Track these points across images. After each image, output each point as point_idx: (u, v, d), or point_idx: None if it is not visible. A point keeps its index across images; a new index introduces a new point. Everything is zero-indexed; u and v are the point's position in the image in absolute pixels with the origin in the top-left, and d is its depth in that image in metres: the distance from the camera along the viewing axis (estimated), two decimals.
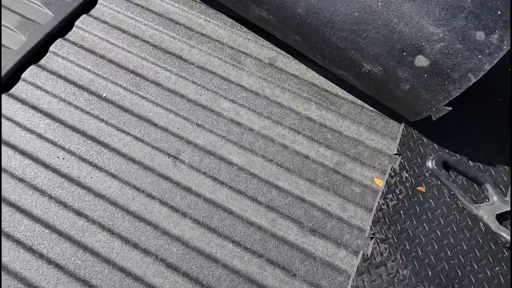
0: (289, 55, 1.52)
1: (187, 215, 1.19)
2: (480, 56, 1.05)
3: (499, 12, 1.04)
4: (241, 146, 1.32)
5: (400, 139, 1.33)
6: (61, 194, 1.20)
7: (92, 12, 1.55)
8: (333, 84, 1.47)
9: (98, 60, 1.45)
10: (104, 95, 1.38)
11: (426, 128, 1.35)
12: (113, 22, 1.54)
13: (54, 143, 1.28)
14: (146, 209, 1.19)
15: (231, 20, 1.59)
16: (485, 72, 1.05)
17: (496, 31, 1.04)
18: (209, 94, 1.41)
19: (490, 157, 1.32)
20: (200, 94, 1.41)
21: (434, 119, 1.19)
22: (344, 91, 1.46)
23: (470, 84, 1.08)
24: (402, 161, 1.29)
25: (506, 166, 1.30)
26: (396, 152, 1.31)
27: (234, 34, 1.55)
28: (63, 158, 1.25)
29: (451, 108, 1.14)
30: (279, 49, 1.54)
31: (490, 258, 1.15)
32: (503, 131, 1.38)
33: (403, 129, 1.36)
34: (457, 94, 1.10)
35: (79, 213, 1.17)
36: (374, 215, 1.19)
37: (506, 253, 1.16)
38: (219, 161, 1.29)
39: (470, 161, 1.30)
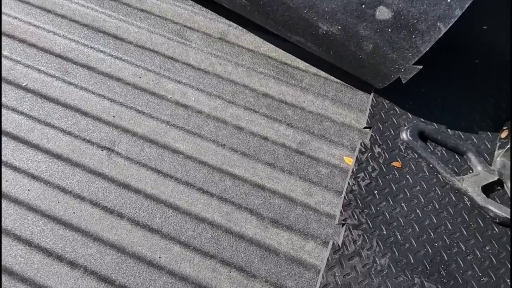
0: (241, 28, 1.35)
1: (124, 216, 1.00)
2: (449, 0, 0.90)
3: None
4: (188, 131, 1.13)
5: (370, 110, 1.18)
6: None
7: None
8: (293, 57, 1.31)
9: (18, 45, 1.24)
10: (24, 84, 1.17)
11: (398, 96, 1.20)
12: (36, 1, 1.33)
13: None
14: (74, 212, 0.99)
15: None
16: (456, 19, 0.90)
17: None
18: (150, 75, 1.22)
19: (470, 124, 1.17)
20: (139, 76, 1.22)
21: (404, 82, 1.03)
22: (306, 63, 1.29)
23: (440, 35, 0.92)
24: (373, 134, 1.13)
25: (489, 132, 1.16)
26: (366, 125, 1.16)
27: (178, 8, 1.37)
28: None
29: (421, 67, 0.98)
30: (230, 22, 1.36)
31: (479, 236, 0.99)
32: (483, 95, 1.24)
33: (372, 99, 1.20)
34: (427, 49, 0.95)
35: None
36: (344, 198, 1.02)
37: (496, 229, 1.01)
38: (163, 150, 1.10)
39: (449, 130, 1.16)
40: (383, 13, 0.95)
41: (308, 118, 1.18)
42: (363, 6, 0.96)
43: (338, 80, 1.26)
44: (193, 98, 1.19)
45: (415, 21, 0.93)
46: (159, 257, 0.95)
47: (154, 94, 1.19)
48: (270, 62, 1.29)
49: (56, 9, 1.32)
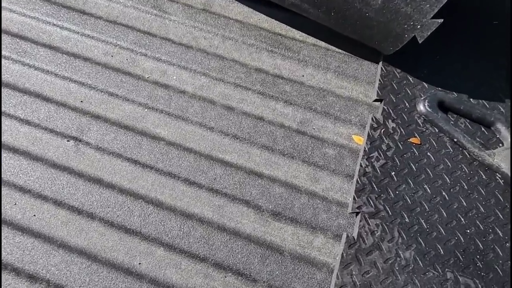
0: None
1: (96, 216, 0.83)
2: None
3: None
4: (169, 114, 0.97)
5: (380, 81, 1.02)
6: None
7: None
8: (287, 27, 1.14)
9: None
10: None
11: (410, 65, 1.04)
12: None
13: None
14: (34, 215, 0.83)
15: None
16: None
17: None
18: (124, 53, 1.06)
19: (496, 91, 1.02)
20: (111, 55, 1.05)
21: (421, 41, 0.87)
22: (302, 33, 1.13)
23: None
24: (385, 108, 0.98)
25: None
26: (376, 98, 1.00)
27: None
28: None
29: (442, 20, 0.83)
30: None
31: None
32: (506, 58, 1.09)
33: (381, 68, 1.04)
34: None
35: None
36: (357, 182, 0.87)
37: None
38: (140, 137, 0.93)
39: (471, 99, 1.00)
40: None
41: (309, 93, 1.02)
42: None
43: (340, 50, 1.10)
44: (174, 77, 1.03)
45: None
46: (139, 263, 0.79)
47: (129, 74, 1.02)
48: (262, 33, 1.12)
49: None
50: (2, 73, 1.00)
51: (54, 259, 0.78)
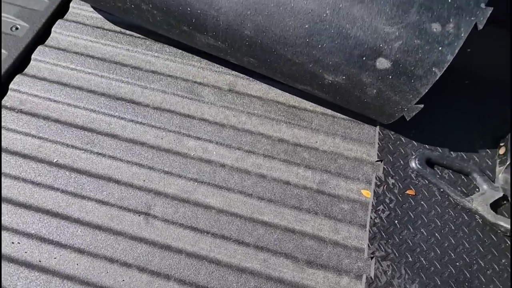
0: (248, 77, 1.44)
1: (171, 277, 1.07)
2: (440, 48, 1.01)
3: (449, 0, 1.00)
4: (215, 186, 1.22)
5: (378, 143, 1.28)
6: (22, 285, 1.05)
7: (26, 70, 1.41)
8: (300, 99, 1.40)
9: (42, 123, 1.31)
10: (55, 160, 1.24)
11: (402, 126, 1.30)
12: (52, 77, 1.40)
13: (6, 228, 1.13)
14: (123, 280, 1.07)
15: (180, 51, 1.49)
16: (449, 63, 1.01)
17: (451, 20, 1.00)
18: (171, 135, 1.31)
19: (471, 144, 1.28)
20: (161, 138, 1.30)
21: (408, 119, 1.13)
22: (312, 104, 1.39)
23: (437, 78, 1.03)
24: (385, 167, 1.23)
25: (488, 150, 1.27)
26: (377, 159, 1.25)
27: (186, 65, 1.45)
28: (18, 243, 1.11)
29: (422, 106, 1.09)
30: (236, 72, 1.45)
31: (494, 251, 1.10)
32: (478, 114, 1.35)
33: (379, 132, 1.30)
34: (426, 90, 1.05)
35: None
36: (369, 231, 1.12)
37: (508, 242, 1.11)
38: (195, 208, 1.18)
39: (452, 152, 1.26)
40: (382, 63, 1.05)
41: (323, 157, 1.28)
42: (364, 58, 1.06)
43: (345, 117, 1.36)
44: (214, 152, 1.28)
45: (413, 68, 1.03)
46: None
47: (177, 153, 1.27)
48: (279, 107, 1.38)
49: (72, 82, 1.39)
50: (77, 162, 1.24)
51: None
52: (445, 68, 1.02)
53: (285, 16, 1.09)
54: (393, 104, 1.12)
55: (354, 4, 1.03)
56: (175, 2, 1.18)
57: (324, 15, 1.05)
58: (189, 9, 1.17)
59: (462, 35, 1.00)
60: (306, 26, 1.08)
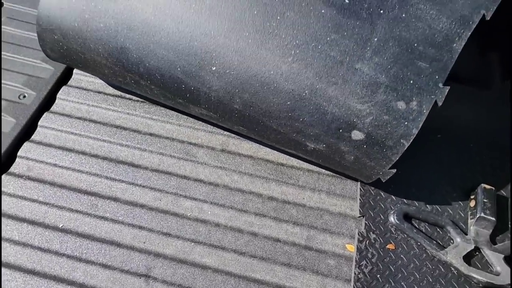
0: (239, 136, 1.57)
1: None
2: (406, 123, 1.14)
3: (411, 82, 1.14)
4: (211, 245, 1.31)
5: (360, 199, 1.39)
6: None
7: (33, 137, 1.53)
8: (287, 156, 1.52)
9: (49, 189, 1.41)
10: (61, 226, 1.33)
11: (381, 181, 1.42)
12: (58, 143, 1.51)
13: None
14: None
15: (176, 113, 1.62)
16: (415, 135, 1.14)
17: (414, 98, 1.14)
18: (169, 197, 1.41)
19: (444, 197, 1.40)
20: (160, 199, 1.40)
21: (384, 181, 1.25)
22: (299, 161, 1.51)
23: (405, 148, 1.15)
24: (366, 222, 1.34)
25: (460, 202, 1.38)
26: (359, 214, 1.36)
27: (182, 127, 1.58)
28: None
29: (395, 170, 1.21)
30: (228, 132, 1.58)
31: None
32: (450, 167, 1.47)
33: (360, 188, 1.42)
34: (397, 158, 1.18)
35: None
36: (354, 286, 1.21)
37: None
38: (193, 268, 1.26)
39: (428, 206, 1.38)
40: (357, 135, 1.18)
41: (310, 214, 1.38)
42: (340, 130, 1.19)
43: (329, 173, 1.48)
44: (209, 212, 1.38)
45: (384, 139, 1.16)
46: None
47: (175, 214, 1.37)
48: (269, 165, 1.50)
49: (76, 147, 1.50)
50: (82, 227, 1.33)
51: None
52: (411, 140, 1.14)
53: (269, 94, 1.22)
54: (369, 168, 1.24)
55: (329, 86, 1.17)
56: (171, 80, 1.32)
57: (304, 94, 1.19)
58: (183, 86, 1.31)
59: (424, 111, 1.13)
60: (288, 103, 1.21)
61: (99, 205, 1.38)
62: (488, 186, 1.34)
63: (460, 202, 1.38)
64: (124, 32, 1.30)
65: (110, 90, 1.68)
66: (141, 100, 1.65)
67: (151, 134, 1.56)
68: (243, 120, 1.32)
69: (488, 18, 1.14)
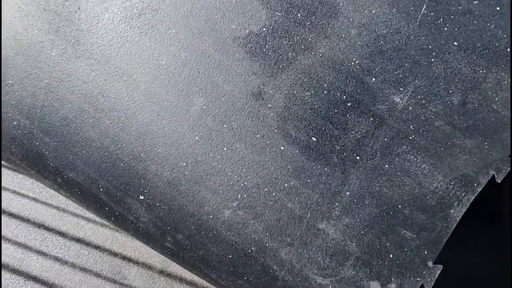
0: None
1: None
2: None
3: (390, 256, 0.86)
4: None
5: None
6: None
7: None
8: None
9: None
10: None
11: None
12: None
13: None
14: None
15: None
16: None
17: (393, 280, 0.85)
18: None
19: None
20: None
21: None
22: None
23: None
24: None
25: None
26: None
27: (118, 232, 1.31)
28: None
29: None
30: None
31: None
32: None
33: None
34: None
35: None
36: None
37: None
38: None
39: None
40: None
41: None
42: None
43: None
44: None
45: None
46: None
47: None
48: None
49: None
50: None
51: None
52: None
53: (207, 241, 0.94)
54: None
55: (282, 246, 0.89)
56: (92, 199, 1.05)
57: (249, 251, 0.91)
58: (106, 208, 1.04)
59: None
60: (230, 256, 0.93)
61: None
62: None
63: None
64: (40, 136, 1.04)
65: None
66: None
67: (78, 240, 1.29)
68: (177, 260, 1.04)
69: (499, 180, 0.86)
